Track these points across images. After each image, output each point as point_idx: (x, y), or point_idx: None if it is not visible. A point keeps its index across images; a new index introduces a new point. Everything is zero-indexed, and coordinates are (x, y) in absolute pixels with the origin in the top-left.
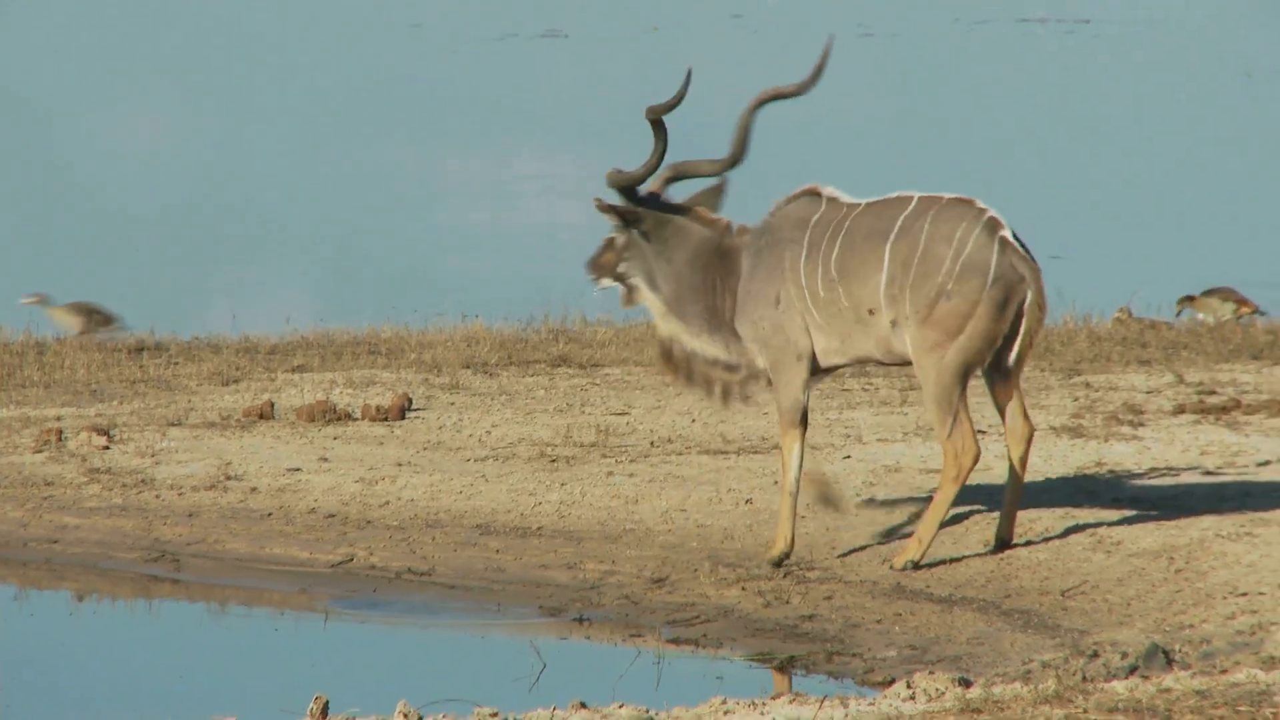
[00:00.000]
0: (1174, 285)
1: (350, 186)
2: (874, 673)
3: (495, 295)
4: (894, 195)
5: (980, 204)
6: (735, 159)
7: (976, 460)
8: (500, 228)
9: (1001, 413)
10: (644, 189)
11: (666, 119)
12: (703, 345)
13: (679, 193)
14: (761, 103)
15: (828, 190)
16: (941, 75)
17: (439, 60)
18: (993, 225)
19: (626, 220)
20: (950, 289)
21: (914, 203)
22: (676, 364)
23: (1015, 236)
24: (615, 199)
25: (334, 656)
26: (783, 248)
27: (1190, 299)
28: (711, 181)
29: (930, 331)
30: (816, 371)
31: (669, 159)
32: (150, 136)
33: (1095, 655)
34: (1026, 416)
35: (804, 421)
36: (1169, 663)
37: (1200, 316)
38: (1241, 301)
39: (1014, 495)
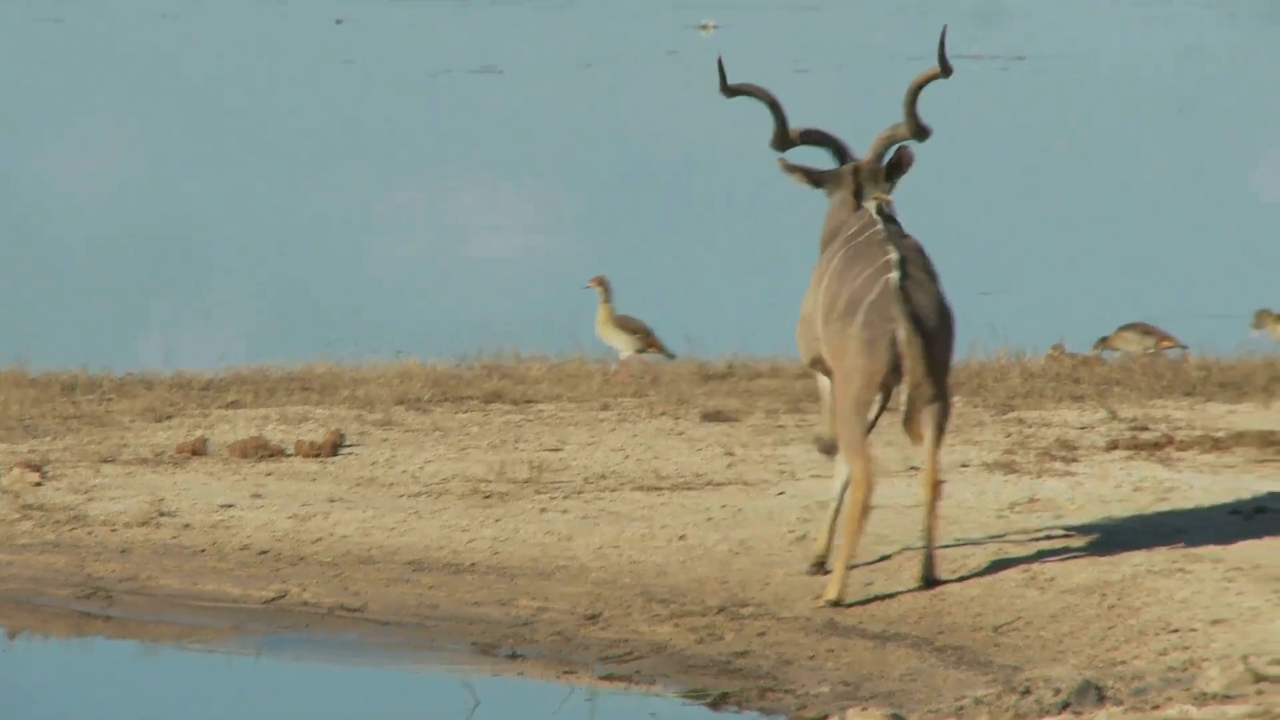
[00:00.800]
0: (1107, 321)
1: (284, 222)
2: (807, 709)
3: (429, 331)
4: (864, 224)
5: (891, 246)
6: (916, 133)
7: (869, 492)
8: (433, 264)
9: None
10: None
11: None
12: None
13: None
14: (920, 85)
15: (865, 208)
16: (877, 111)
17: (372, 96)
18: (884, 268)
19: (808, 179)
20: (836, 325)
21: (861, 237)
22: None
23: (906, 278)
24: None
25: (266, 694)
26: (829, 259)
27: (1104, 340)
28: (910, 149)
29: (833, 363)
30: None
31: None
32: (83, 171)
33: (1028, 691)
34: (934, 463)
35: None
36: (1101, 699)
37: (1132, 351)
38: (1162, 337)
39: (929, 536)
